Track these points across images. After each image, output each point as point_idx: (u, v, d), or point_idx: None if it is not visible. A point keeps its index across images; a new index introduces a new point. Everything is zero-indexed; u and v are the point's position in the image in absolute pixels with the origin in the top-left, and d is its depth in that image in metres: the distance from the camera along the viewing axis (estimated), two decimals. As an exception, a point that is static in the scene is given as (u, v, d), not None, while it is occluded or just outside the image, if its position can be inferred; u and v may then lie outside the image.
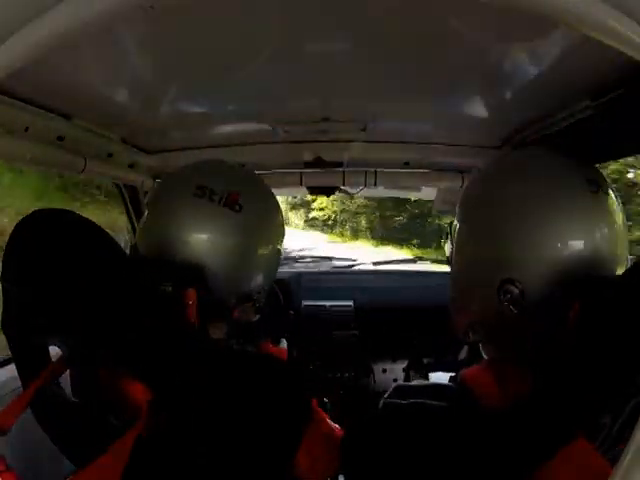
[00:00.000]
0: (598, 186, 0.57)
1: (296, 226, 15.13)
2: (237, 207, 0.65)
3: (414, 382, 0.60)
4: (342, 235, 13.60)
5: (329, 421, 0.75)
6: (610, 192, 0.59)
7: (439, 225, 9.44)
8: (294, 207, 15.60)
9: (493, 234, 0.59)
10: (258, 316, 0.81)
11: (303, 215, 15.61)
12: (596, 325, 0.45)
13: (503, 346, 0.61)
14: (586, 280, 0.52)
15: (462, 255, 0.64)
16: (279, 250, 0.77)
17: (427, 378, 1.34)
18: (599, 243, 0.56)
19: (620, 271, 0.57)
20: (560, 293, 0.53)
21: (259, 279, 0.73)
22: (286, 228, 0.83)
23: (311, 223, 15.26)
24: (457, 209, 0.66)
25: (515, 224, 0.56)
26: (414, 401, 0.54)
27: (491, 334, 0.62)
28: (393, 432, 0.50)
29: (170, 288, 0.58)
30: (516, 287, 0.55)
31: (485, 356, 0.66)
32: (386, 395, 0.58)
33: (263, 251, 0.72)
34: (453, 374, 0.62)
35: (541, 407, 0.44)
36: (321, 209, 13.88)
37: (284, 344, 1.12)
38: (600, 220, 0.56)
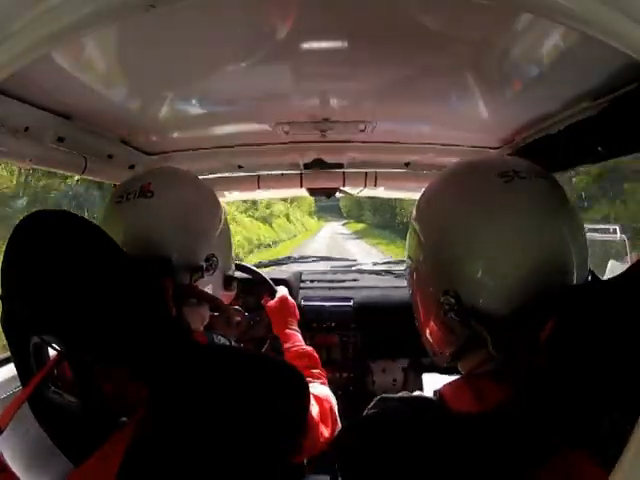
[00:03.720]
0: (512, 175, 0.54)
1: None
2: (149, 194, 0.73)
3: (398, 394, 0.60)
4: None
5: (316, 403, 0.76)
6: (533, 177, 0.55)
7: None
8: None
9: (440, 256, 0.58)
10: (231, 292, 0.87)
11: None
12: (569, 338, 0.44)
13: (470, 362, 0.61)
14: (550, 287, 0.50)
15: (415, 274, 0.64)
16: (213, 219, 0.82)
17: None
18: (523, 233, 0.52)
19: (573, 257, 0.53)
20: (502, 302, 0.53)
21: (203, 248, 0.77)
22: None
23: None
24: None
25: (440, 235, 0.58)
26: (390, 411, 0.55)
27: (455, 351, 0.61)
28: (371, 444, 0.50)
29: (149, 281, 0.60)
30: (450, 296, 0.55)
31: (461, 370, 0.66)
32: (370, 406, 0.58)
33: (194, 222, 0.77)
34: (447, 376, 0.62)
35: (518, 417, 0.44)
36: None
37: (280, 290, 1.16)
38: (519, 207, 0.53)
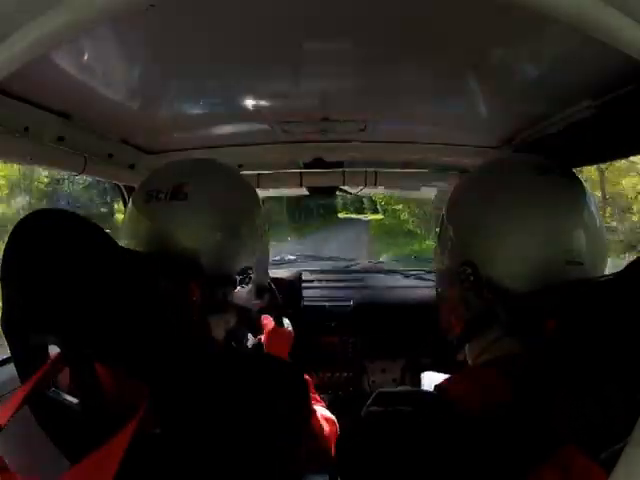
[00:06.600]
0: (546, 170, 0.60)
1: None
2: (182, 196, 0.67)
3: (397, 389, 0.60)
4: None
5: (324, 420, 0.76)
6: (565, 175, 0.60)
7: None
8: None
9: (460, 227, 0.64)
10: (259, 300, 0.81)
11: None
12: (572, 335, 0.45)
13: (477, 346, 0.63)
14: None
15: (439, 250, 0.70)
16: (254, 229, 0.75)
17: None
18: (551, 224, 0.57)
19: (592, 250, 0.57)
20: (514, 276, 0.57)
21: (238, 261, 0.72)
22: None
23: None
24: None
25: (473, 215, 0.62)
26: (392, 409, 0.54)
27: (464, 330, 0.64)
28: (371, 442, 0.50)
29: (171, 283, 0.59)
30: (469, 266, 0.59)
31: (469, 360, 0.67)
32: (368, 402, 0.58)
33: (232, 233, 0.71)
34: (446, 375, 0.62)
35: (518, 414, 0.44)
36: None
37: (287, 323, 1.10)
38: (550, 200, 0.58)
